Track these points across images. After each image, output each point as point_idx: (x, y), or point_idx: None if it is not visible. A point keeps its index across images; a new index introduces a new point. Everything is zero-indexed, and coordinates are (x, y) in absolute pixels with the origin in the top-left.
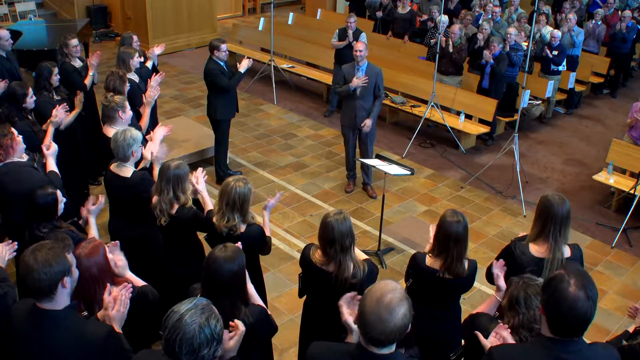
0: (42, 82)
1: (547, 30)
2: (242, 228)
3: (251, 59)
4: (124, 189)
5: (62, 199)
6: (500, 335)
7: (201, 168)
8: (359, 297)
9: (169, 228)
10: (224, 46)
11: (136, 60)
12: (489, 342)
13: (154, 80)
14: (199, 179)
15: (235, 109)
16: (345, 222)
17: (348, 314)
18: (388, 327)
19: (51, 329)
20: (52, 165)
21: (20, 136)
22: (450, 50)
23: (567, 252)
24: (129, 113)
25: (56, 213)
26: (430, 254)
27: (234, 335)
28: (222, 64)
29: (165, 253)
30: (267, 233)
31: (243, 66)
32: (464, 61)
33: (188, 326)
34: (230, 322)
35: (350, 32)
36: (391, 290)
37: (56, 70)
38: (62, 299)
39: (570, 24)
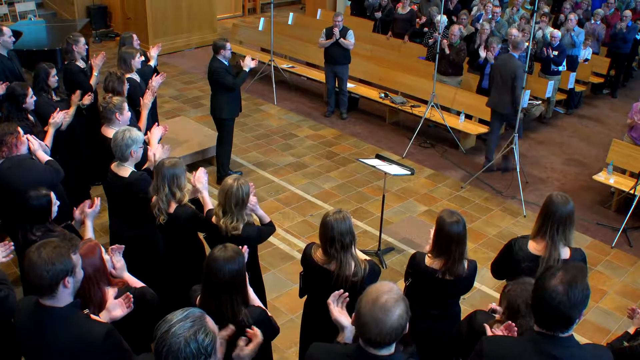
0: (40, 83)
1: (548, 30)
2: (241, 228)
3: (257, 59)
4: (121, 188)
5: (55, 202)
6: (511, 328)
7: (202, 168)
8: (346, 294)
9: (168, 227)
10: (229, 45)
11: (137, 61)
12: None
13: (155, 81)
14: (201, 179)
15: (239, 108)
16: (345, 221)
17: (338, 312)
18: (384, 328)
19: (52, 325)
20: (44, 157)
21: (25, 136)
22: (447, 52)
23: (566, 253)
24: (126, 115)
25: (50, 215)
26: (429, 254)
27: (251, 343)
28: (226, 63)
29: (166, 252)
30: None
31: (247, 64)
32: (463, 61)
33: (174, 338)
34: (248, 330)
35: (336, 30)
36: (387, 291)
37: (54, 71)
38: (64, 297)
39: (571, 24)
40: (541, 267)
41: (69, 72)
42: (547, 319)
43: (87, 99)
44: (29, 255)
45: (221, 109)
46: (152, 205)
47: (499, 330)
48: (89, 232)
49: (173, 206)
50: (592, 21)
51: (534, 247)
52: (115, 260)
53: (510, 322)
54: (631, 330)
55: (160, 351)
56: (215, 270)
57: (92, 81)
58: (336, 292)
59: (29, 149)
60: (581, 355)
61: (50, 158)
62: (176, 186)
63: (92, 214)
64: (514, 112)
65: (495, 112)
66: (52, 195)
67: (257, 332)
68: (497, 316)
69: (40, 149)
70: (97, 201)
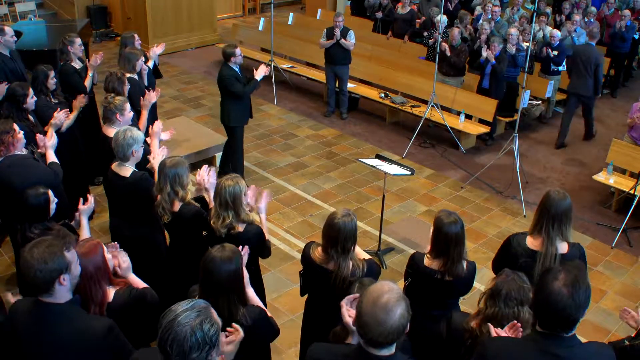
0: (38, 85)
1: (548, 30)
2: (240, 227)
3: (269, 67)
4: (123, 188)
5: (53, 200)
6: (516, 329)
7: (206, 165)
8: (358, 296)
9: (172, 225)
10: (239, 51)
11: (140, 62)
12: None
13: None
14: (211, 177)
15: (249, 115)
16: (351, 223)
17: (349, 316)
18: (385, 328)
19: (52, 322)
20: (52, 157)
21: (22, 133)
22: (449, 54)
23: (563, 248)
24: (127, 115)
25: (48, 214)
26: (428, 255)
27: (232, 339)
28: (237, 69)
29: (171, 251)
30: (266, 236)
31: (259, 73)
32: (464, 62)
33: (180, 327)
34: (228, 328)
35: (337, 31)
36: (388, 291)
37: (52, 73)
38: (61, 294)
39: (574, 25)
40: (538, 262)
41: (64, 74)
42: (552, 320)
43: (82, 101)
44: (23, 255)
45: (229, 116)
46: (157, 204)
47: (502, 332)
48: (85, 231)
49: (177, 205)
50: (586, 19)
51: (531, 242)
52: (121, 260)
53: (514, 322)
54: (632, 333)
55: (166, 339)
56: (212, 270)
57: (87, 82)
58: (350, 295)
59: (36, 143)
60: (584, 354)
61: (55, 161)
62: (178, 185)
63: (86, 211)
64: (595, 93)
65: (573, 95)
66: (50, 193)
67: (238, 329)
68: (472, 311)
69: (53, 148)
70: (90, 198)
